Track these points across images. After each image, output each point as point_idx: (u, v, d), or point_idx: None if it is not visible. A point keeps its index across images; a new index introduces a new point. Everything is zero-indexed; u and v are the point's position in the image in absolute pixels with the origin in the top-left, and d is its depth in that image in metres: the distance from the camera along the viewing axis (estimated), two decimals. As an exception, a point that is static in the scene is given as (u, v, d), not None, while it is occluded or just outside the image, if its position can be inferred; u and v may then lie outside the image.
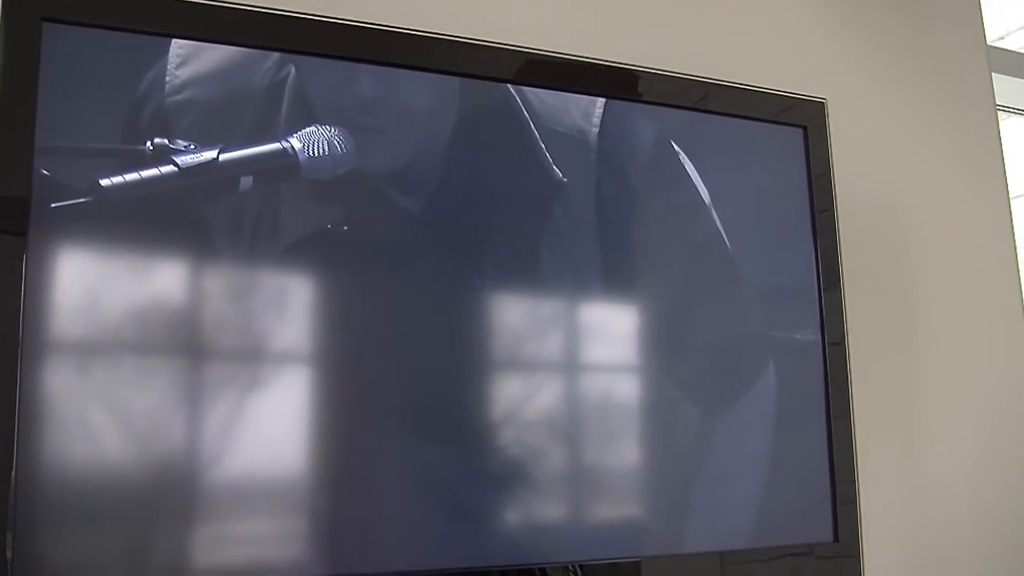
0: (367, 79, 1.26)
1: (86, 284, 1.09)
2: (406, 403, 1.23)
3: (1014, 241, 1.94)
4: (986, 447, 1.83)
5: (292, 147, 1.21)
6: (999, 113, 2.01)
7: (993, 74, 2.01)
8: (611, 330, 1.36)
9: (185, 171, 1.15)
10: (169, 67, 1.17)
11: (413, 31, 1.29)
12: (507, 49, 1.35)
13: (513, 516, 1.26)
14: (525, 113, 1.34)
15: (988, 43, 2.03)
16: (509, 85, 1.35)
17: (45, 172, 1.09)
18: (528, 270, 1.32)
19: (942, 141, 1.91)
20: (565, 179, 1.34)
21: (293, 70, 1.22)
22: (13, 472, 1.03)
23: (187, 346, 1.14)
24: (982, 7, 2.02)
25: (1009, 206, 1.95)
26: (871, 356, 1.69)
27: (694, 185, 1.44)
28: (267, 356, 1.17)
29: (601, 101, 1.39)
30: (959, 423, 1.82)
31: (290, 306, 1.18)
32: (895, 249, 1.81)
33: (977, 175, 1.94)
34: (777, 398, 1.45)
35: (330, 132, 1.22)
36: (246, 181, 1.18)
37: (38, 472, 1.04)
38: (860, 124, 1.79)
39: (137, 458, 1.09)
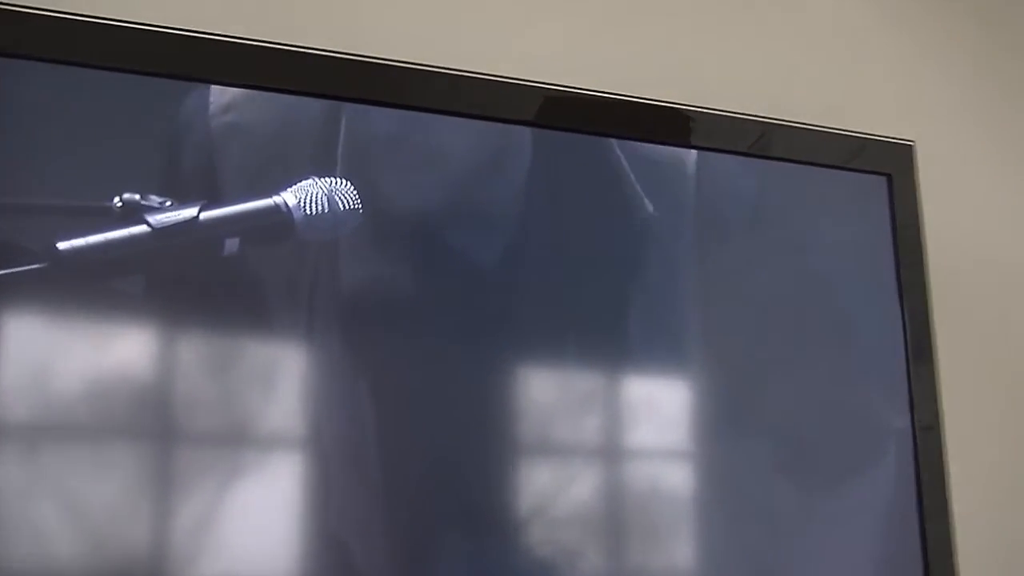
0: (374, 122, 1.23)
1: (36, 359, 1.05)
2: (420, 496, 1.17)
3: None
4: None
5: (285, 203, 1.16)
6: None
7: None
8: (659, 410, 1.30)
9: (159, 232, 1.10)
10: (142, 110, 1.14)
11: (428, 67, 1.26)
12: (528, 86, 1.31)
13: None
14: (542, 160, 1.30)
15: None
16: (527, 128, 1.30)
17: (-8, 234, 1.06)
18: (560, 344, 1.27)
19: (1050, 190, 1.85)
20: (603, 236, 1.31)
21: (294, 112, 1.20)
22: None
23: (156, 428, 1.08)
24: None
25: None
26: (971, 443, 1.52)
27: (755, 243, 1.39)
28: (252, 439, 1.11)
29: (642, 145, 1.34)
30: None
31: (280, 381, 1.13)
32: (997, 315, 1.63)
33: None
34: (859, 493, 1.36)
35: (331, 185, 1.18)
36: (231, 243, 1.13)
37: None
38: (953, 170, 1.64)
39: (94, 562, 1.03)
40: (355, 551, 1.13)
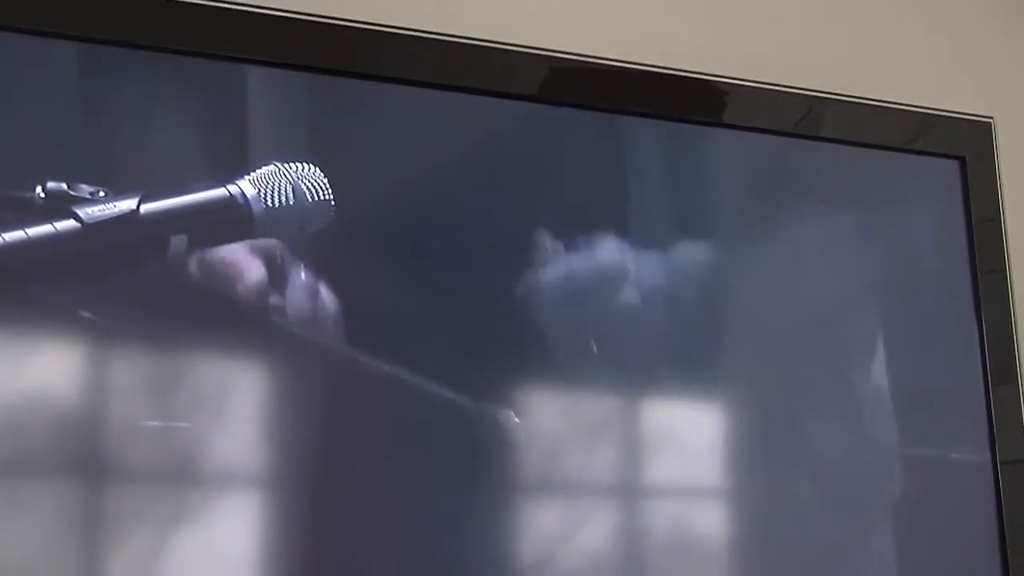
0: (349, 96, 1.16)
1: None
2: (401, 540, 1.10)
3: None
4: None
5: (243, 193, 1.08)
6: None
7: None
8: (690, 440, 1.23)
9: (91, 228, 1.01)
10: (68, 81, 1.06)
11: (415, 32, 1.18)
12: (537, 55, 1.23)
13: None
14: (568, 144, 1.23)
15: None
16: (533, 104, 1.23)
17: None
18: (570, 359, 1.20)
19: None
20: (622, 231, 1.24)
21: (251, 84, 1.13)
22: None
23: (84, 462, 1.01)
24: None
25: None
26: None
27: (801, 240, 1.32)
28: (199, 474, 1.03)
29: (668, 125, 1.28)
30: None
31: (234, 406, 1.06)
32: None
33: None
34: (928, 538, 1.29)
35: (297, 172, 1.10)
36: (178, 242, 1.05)
37: None
38: None
39: None
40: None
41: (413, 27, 1.18)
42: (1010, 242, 1.39)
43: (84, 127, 1.06)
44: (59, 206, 1.00)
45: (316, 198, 1.09)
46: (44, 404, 0.98)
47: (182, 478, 1.02)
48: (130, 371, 1.03)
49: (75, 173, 1.02)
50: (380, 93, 1.15)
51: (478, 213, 1.20)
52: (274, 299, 1.10)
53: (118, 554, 0.99)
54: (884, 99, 1.38)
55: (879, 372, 1.32)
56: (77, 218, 1.00)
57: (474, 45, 1.20)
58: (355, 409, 1.11)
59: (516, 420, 1.17)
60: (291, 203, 1.08)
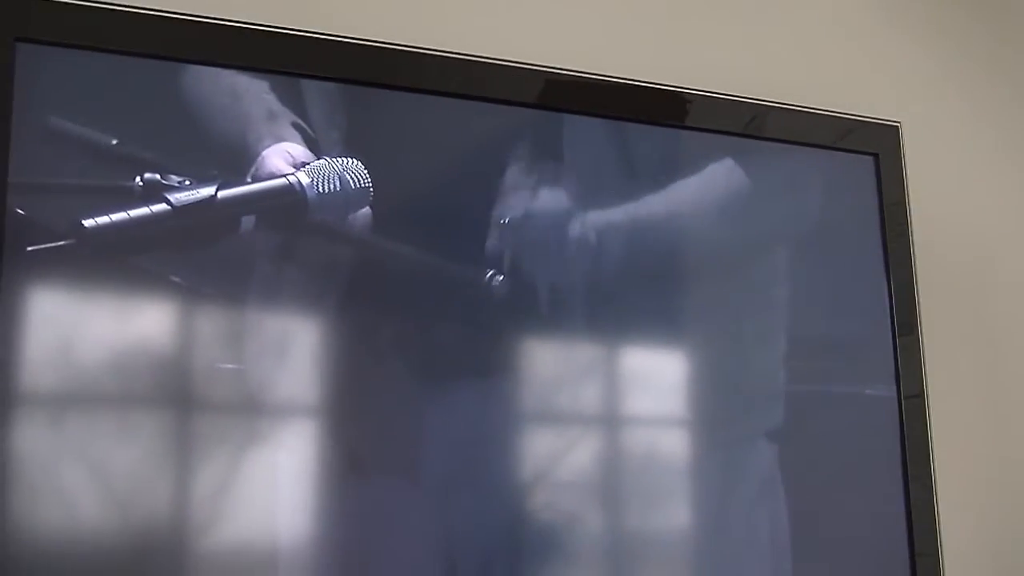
0: (387, 105, 1.22)
1: (63, 332, 1.04)
2: (424, 461, 1.17)
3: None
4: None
5: (299, 182, 1.15)
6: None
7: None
8: (655, 381, 1.30)
9: (179, 210, 1.09)
10: (162, 93, 1.12)
11: (434, 51, 1.24)
12: (531, 69, 1.28)
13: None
14: (557, 141, 1.29)
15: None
16: (535, 110, 1.29)
17: (20, 211, 1.03)
18: (566, 313, 1.26)
19: (1033, 171, 1.79)
20: (602, 214, 1.29)
21: (304, 97, 1.18)
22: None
23: (176, 397, 1.08)
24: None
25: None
26: (955, 411, 1.55)
27: (747, 221, 1.37)
28: (267, 408, 1.11)
29: (638, 127, 1.33)
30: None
31: (293, 354, 1.12)
32: (980, 290, 1.65)
33: (1073, 207, 1.80)
34: (846, 460, 1.36)
35: (343, 165, 1.17)
36: (247, 221, 1.12)
37: (3, 542, 0.98)
38: (939, 151, 1.65)
39: (118, 525, 1.03)
40: (354, 516, 1.13)
41: (440, 48, 1.24)
42: (913, 222, 1.44)
43: (174, 132, 1.11)
44: (154, 193, 1.08)
45: (358, 186, 1.16)
46: (143, 350, 1.06)
47: (254, 409, 1.10)
48: (210, 324, 1.10)
49: (166, 167, 1.09)
50: (410, 102, 1.21)
51: (484, 190, 1.24)
52: (323, 266, 1.16)
53: (203, 469, 1.06)
54: (814, 107, 1.43)
55: (808, 324, 1.38)
56: (168, 202, 1.08)
57: (479, 61, 1.25)
58: (388, 353, 1.17)
59: (500, 278, 1.20)
60: (338, 190, 1.15)
